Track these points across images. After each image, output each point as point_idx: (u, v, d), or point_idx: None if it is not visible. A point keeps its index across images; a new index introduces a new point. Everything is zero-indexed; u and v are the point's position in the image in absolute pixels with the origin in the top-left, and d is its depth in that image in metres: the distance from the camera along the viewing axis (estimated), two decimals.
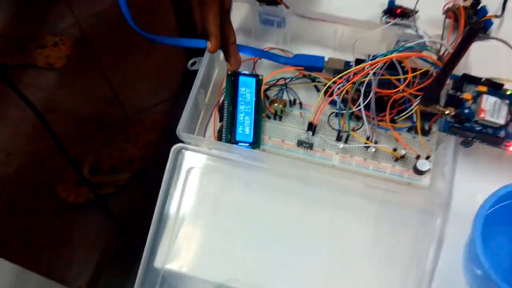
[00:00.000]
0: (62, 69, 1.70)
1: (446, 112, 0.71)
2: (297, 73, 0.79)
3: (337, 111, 0.76)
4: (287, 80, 0.78)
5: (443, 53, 0.73)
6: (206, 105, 0.82)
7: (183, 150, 0.73)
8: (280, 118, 0.78)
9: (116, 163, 1.56)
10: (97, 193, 1.33)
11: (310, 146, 0.76)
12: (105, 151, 1.58)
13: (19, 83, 1.52)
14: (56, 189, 1.50)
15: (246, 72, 0.78)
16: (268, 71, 0.78)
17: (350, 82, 0.73)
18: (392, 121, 0.75)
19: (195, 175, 0.75)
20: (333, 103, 0.76)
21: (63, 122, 1.46)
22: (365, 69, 0.73)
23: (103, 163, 1.56)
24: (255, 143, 0.74)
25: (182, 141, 0.73)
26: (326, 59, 0.78)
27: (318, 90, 0.80)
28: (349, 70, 0.74)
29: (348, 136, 0.75)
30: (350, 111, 0.74)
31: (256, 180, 0.75)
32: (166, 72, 1.72)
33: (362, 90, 0.73)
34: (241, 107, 0.75)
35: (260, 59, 0.82)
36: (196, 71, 0.76)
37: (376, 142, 0.74)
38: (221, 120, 0.76)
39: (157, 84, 1.70)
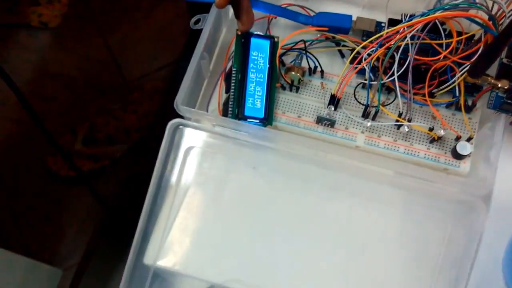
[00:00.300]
0: (56, 29, 1.57)
1: (499, 85, 0.59)
2: (319, 35, 0.69)
3: (366, 81, 0.63)
4: (307, 44, 0.67)
5: (496, 13, 0.60)
6: (211, 73, 0.70)
7: (181, 127, 0.62)
8: (297, 89, 0.67)
9: (112, 133, 1.45)
10: (79, 170, 1.30)
11: (331, 123, 0.64)
12: (100, 119, 1.46)
13: (10, 44, 1.47)
14: (46, 162, 1.39)
15: (259, 33, 0.66)
16: (284, 33, 0.68)
17: (385, 47, 0.61)
18: (430, 94, 0.63)
19: (195, 156, 0.64)
20: (360, 72, 0.65)
21: (57, 86, 1.40)
22: (401, 31, 0.61)
23: (98, 133, 1.45)
24: (267, 120, 0.63)
25: (181, 116, 0.61)
26: (354, 18, 0.68)
27: (343, 56, 0.70)
28: (381, 33, 0.62)
29: (377, 112, 0.64)
30: (382, 82, 0.61)
31: (266, 163, 0.64)
32: (169, 34, 1.59)
33: (397, 57, 0.62)
34: (251, 76, 0.63)
35: (275, 17, 0.71)
36: (200, 31, 0.64)
37: (409, 120, 0.62)
38: (227, 91, 0.65)
39: (159, 47, 1.58)
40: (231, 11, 0.69)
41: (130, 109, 1.49)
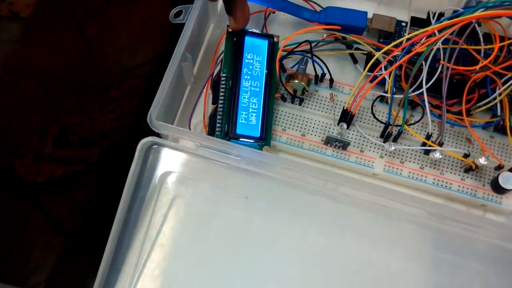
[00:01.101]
0: (28, 20, 1.46)
1: None
2: (327, 35, 0.57)
3: (387, 94, 0.51)
4: (313, 45, 0.55)
5: None
6: (195, 78, 0.57)
7: (156, 146, 0.48)
8: (301, 101, 0.55)
9: (87, 134, 1.32)
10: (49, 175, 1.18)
11: (343, 145, 0.52)
12: (74, 119, 1.33)
13: None
14: (13, 165, 1.26)
15: (256, 31, 0.54)
16: (285, 31, 0.58)
17: (412, 53, 0.48)
18: (466, 112, 0.51)
19: (173, 184, 0.51)
20: (379, 82, 0.51)
21: (27, 83, 1.29)
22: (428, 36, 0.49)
23: (71, 134, 1.32)
24: (264, 139, 0.51)
25: (155, 133, 0.48)
26: (369, 16, 0.56)
27: (355, 61, 0.58)
28: (408, 35, 0.50)
29: (400, 132, 0.51)
30: (409, 95, 0.49)
31: (262, 193, 0.52)
32: (151, 28, 1.48)
33: (426, 65, 0.49)
34: (245, 84, 0.51)
35: (274, 12, 0.59)
36: (183, 26, 0.52)
37: (441, 144, 0.49)
38: (214, 101, 0.52)
39: (140, 42, 1.47)
40: (220, 2, 0.56)
41: (107, 108, 1.36)
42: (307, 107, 0.55)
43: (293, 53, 0.55)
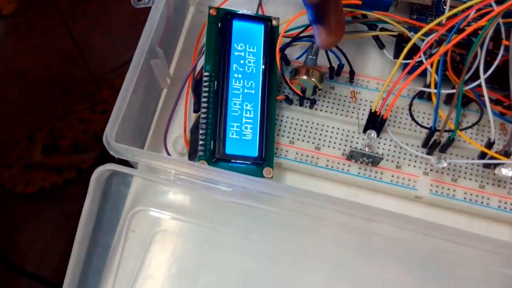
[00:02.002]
0: (11, 17, 1.39)
1: None
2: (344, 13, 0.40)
3: (431, 90, 0.37)
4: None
5: None
6: (173, 79, 0.44)
7: (119, 176, 0.35)
8: (313, 103, 0.41)
9: (79, 138, 1.24)
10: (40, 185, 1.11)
11: (372, 160, 0.37)
12: (64, 123, 1.25)
13: None
14: (0, 176, 1.18)
15: (247, 13, 0.40)
16: (288, 12, 0.45)
17: (468, 31, 0.35)
18: None
19: (146, 226, 0.37)
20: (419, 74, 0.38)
21: (11, 85, 1.24)
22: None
23: (62, 139, 1.23)
24: (264, 160, 0.38)
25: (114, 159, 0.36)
26: None
27: (382, 46, 0.44)
28: (456, 9, 0.35)
29: (451, 140, 0.38)
30: (464, 88, 0.35)
31: (265, 229, 0.38)
32: (144, 18, 1.38)
33: (483, 48, 0.35)
34: (235, 84, 0.38)
35: None
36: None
37: (509, 154, 0.35)
38: (197, 109, 0.39)
39: (132, 36, 1.36)
40: None
41: (99, 109, 1.29)
42: (321, 111, 0.42)
43: (298, 39, 0.41)
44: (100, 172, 0.35)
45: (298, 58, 0.43)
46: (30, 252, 1.15)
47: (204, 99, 0.38)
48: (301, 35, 0.41)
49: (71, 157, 1.23)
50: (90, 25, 1.38)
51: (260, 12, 0.45)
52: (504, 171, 0.36)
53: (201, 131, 0.37)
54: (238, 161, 0.37)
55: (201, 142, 0.37)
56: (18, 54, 1.35)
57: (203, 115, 0.37)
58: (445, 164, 0.37)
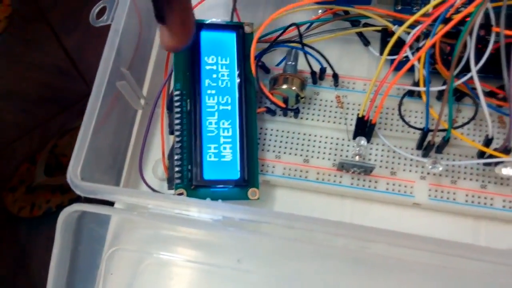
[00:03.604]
0: (2, 36, 1.36)
1: None
2: (323, 11, 0.40)
3: (420, 88, 0.34)
4: (304, 29, 0.39)
5: None
6: (147, 98, 0.40)
7: (90, 216, 0.33)
8: (296, 112, 0.38)
9: None
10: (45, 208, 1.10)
11: (364, 169, 0.34)
12: (64, 140, 1.22)
13: None
14: (4, 200, 1.15)
15: (216, 21, 0.38)
16: (265, 15, 0.40)
17: (456, 20, 0.32)
18: None
19: (125, 267, 0.33)
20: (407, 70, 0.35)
21: (6, 105, 1.22)
22: None
23: (63, 157, 1.20)
24: (247, 181, 0.35)
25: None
26: None
27: (367, 42, 0.41)
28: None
29: (446, 140, 0.35)
30: (455, 84, 0.32)
31: (259, 254, 0.36)
32: None
33: (472, 37, 0.33)
34: (209, 101, 0.35)
35: None
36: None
37: (509, 150, 0.32)
38: (172, 131, 0.36)
39: None
40: None
41: None
42: (307, 119, 0.39)
43: (276, 45, 0.38)
44: (68, 213, 0.33)
45: (279, 64, 0.40)
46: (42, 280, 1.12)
47: (177, 121, 0.35)
48: (279, 40, 0.38)
49: None
50: (82, 35, 1.36)
51: (235, 18, 0.42)
52: (504, 171, 0.33)
53: (176, 157, 0.35)
54: (218, 186, 0.34)
55: (177, 169, 0.34)
56: (11, 73, 1.33)
57: (177, 139, 0.35)
58: (440, 168, 0.34)
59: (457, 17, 0.33)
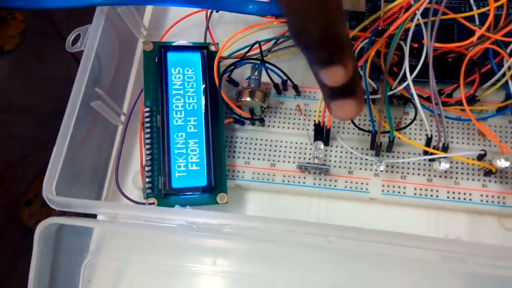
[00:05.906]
0: (14, 52, 1.36)
1: None
2: (281, 32, 0.44)
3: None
4: (271, 45, 0.45)
5: None
6: (127, 114, 0.44)
7: (65, 229, 0.37)
8: (261, 121, 0.42)
9: None
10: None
11: (320, 170, 0.38)
12: None
13: None
14: (20, 214, 1.16)
15: (182, 43, 0.42)
16: (225, 33, 0.44)
17: (385, 35, 0.36)
18: (471, 99, 0.40)
19: (104, 275, 0.38)
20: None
21: (21, 122, 1.21)
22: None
23: None
24: (214, 187, 0.39)
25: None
26: None
27: None
28: (378, 13, 0.36)
29: (391, 141, 0.39)
30: (391, 92, 0.36)
31: (232, 254, 0.40)
32: None
33: (406, 47, 0.38)
34: (177, 116, 0.38)
35: (218, 11, 0.47)
36: None
37: (445, 147, 0.36)
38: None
39: None
40: (148, 10, 0.44)
41: None
42: (273, 127, 0.43)
43: (239, 62, 0.42)
44: (44, 226, 0.35)
45: (248, 78, 0.43)
46: None
47: (147, 135, 0.39)
48: (242, 58, 0.42)
49: None
50: None
51: (209, 38, 0.46)
52: (442, 166, 0.37)
53: (146, 168, 0.39)
54: (187, 193, 0.38)
55: (147, 180, 0.38)
56: (26, 89, 1.34)
57: (147, 152, 0.39)
58: (382, 167, 0.38)
59: (388, 32, 0.37)
